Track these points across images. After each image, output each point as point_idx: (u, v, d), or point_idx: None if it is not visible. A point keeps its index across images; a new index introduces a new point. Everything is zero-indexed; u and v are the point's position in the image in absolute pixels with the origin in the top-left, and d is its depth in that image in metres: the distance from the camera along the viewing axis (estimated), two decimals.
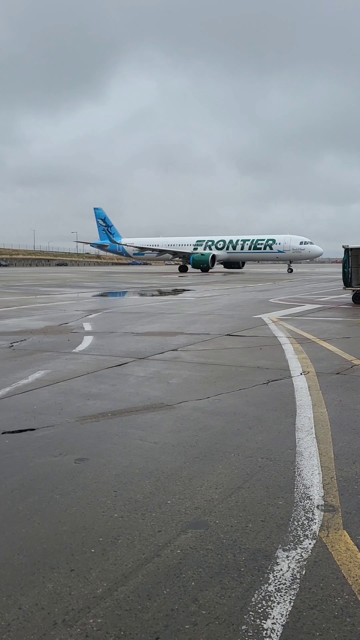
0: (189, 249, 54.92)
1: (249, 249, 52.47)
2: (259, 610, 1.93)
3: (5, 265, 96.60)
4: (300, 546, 2.36)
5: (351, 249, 14.98)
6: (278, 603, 1.97)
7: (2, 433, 3.92)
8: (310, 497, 2.84)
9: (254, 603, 1.98)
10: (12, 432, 3.95)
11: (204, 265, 51.39)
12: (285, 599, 2.00)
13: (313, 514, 2.65)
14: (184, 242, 56.64)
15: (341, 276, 15.65)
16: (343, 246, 15.07)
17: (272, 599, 2.00)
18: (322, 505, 2.75)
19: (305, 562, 2.24)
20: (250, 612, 1.92)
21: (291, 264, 51.84)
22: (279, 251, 50.31)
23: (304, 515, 2.64)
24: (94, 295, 19.51)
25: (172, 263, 64.87)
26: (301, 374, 5.82)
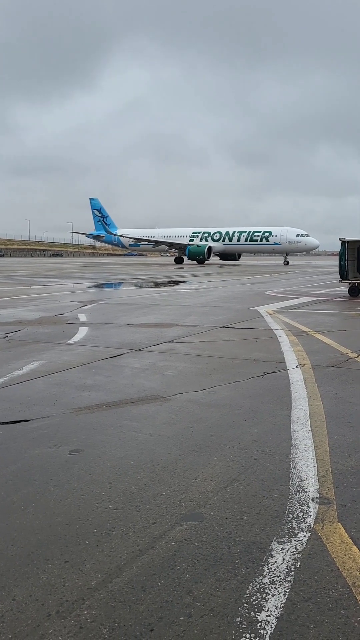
0: (185, 241, 54.81)
1: (245, 241, 52.42)
2: (254, 603, 1.93)
3: (0, 256, 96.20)
4: (295, 539, 2.36)
5: (348, 241, 14.97)
6: (272, 595, 1.97)
7: None
8: (305, 490, 2.84)
9: (248, 595, 1.97)
10: (6, 423, 3.93)
11: (200, 257, 51.33)
12: (279, 591, 2.00)
13: (308, 507, 2.65)
14: (180, 234, 56.52)
15: (337, 269, 15.65)
16: (340, 239, 15.06)
17: (266, 591, 2.00)
18: (317, 497, 2.75)
19: (300, 555, 2.24)
20: (245, 604, 1.92)
21: (287, 257, 51.80)
22: (276, 243, 50.28)
23: (299, 508, 2.64)
24: (89, 286, 19.45)
25: (168, 254, 64.75)
26: (297, 366, 5.82)
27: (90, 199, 64.41)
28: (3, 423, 3.92)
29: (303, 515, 2.57)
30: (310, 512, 2.60)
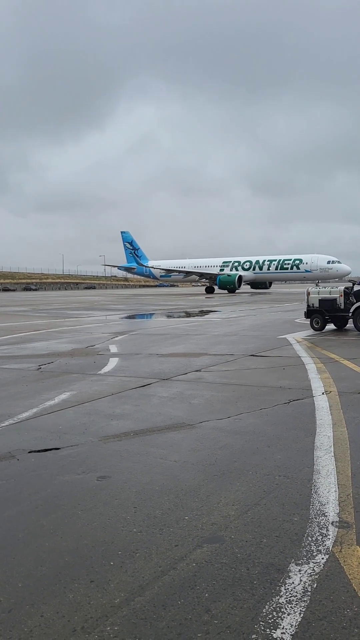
0: (216, 270, 55.17)
1: (276, 269, 52.44)
2: (270, 621, 2.00)
3: (35, 289, 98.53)
4: (312, 560, 2.42)
5: None
6: (288, 614, 2.04)
7: (29, 452, 4.07)
8: (326, 514, 2.88)
9: (264, 614, 2.04)
10: (38, 451, 4.09)
11: (230, 286, 51.53)
12: (295, 610, 2.06)
13: (327, 530, 2.70)
14: (210, 264, 56.96)
15: None
16: None
17: (282, 610, 2.06)
18: (336, 521, 2.79)
19: (317, 576, 2.29)
20: (261, 622, 1.99)
21: (319, 284, 51.52)
22: (306, 271, 50.15)
23: (318, 532, 2.69)
24: (121, 318, 19.77)
25: (199, 284, 65.21)
26: (323, 393, 5.84)
27: (121, 232, 65.79)
28: (35, 451, 4.09)
29: (322, 538, 2.62)
30: (329, 535, 2.65)
